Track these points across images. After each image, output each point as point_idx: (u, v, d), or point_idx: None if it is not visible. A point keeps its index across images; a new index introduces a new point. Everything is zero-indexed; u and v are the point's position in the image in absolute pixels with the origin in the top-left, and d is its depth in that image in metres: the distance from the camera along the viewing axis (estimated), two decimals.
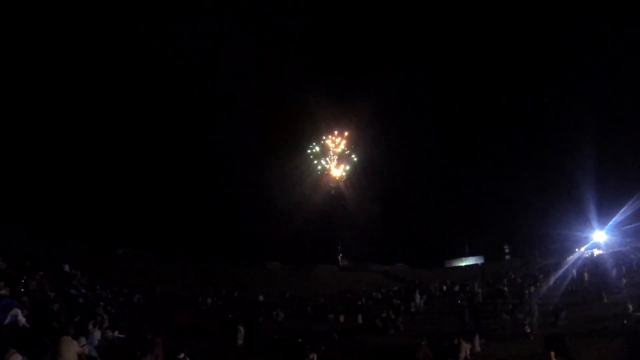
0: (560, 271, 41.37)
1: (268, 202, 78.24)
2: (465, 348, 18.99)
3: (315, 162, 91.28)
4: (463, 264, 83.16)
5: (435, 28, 78.16)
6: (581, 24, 67.03)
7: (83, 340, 13.55)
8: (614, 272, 34.64)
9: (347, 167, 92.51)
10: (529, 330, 20.93)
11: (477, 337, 20.31)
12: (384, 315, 28.71)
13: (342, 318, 31.33)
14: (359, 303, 37.68)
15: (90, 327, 16.58)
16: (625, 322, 17.12)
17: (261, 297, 40.65)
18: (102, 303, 24.25)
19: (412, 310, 32.78)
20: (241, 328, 22.37)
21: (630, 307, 18.35)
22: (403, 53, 79.79)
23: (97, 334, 16.61)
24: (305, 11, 72.27)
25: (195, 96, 75.63)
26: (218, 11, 69.09)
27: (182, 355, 14.63)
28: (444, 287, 45.49)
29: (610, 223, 56.02)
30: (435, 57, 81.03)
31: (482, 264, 79.67)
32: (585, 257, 52.49)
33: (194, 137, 76.49)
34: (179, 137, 75.02)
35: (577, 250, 62.15)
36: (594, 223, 57.08)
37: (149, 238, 60.46)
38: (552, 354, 13.71)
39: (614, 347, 15.60)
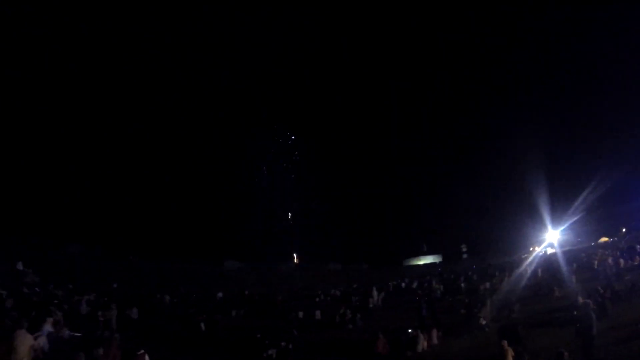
0: (518, 269, 42.41)
1: (226, 200, 77.61)
2: (423, 340, 19.21)
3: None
4: (421, 262, 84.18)
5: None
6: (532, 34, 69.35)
7: (37, 333, 13.18)
8: (565, 270, 35.66)
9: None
10: (484, 323, 21.35)
11: (434, 330, 20.58)
12: (341, 311, 28.76)
13: (300, 314, 31.21)
14: (317, 300, 37.63)
15: (45, 325, 16.05)
16: (575, 312, 17.60)
17: (220, 295, 40.08)
18: (56, 301, 23.57)
19: (370, 306, 32.91)
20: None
21: (581, 299, 18.88)
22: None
23: (52, 332, 16.10)
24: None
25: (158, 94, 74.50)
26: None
27: (141, 351, 14.33)
28: (403, 285, 45.85)
29: (563, 224, 58.16)
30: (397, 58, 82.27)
31: (440, 262, 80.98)
32: (540, 256, 53.98)
33: (149, 131, 75.09)
34: (135, 131, 73.53)
35: (531, 249, 64.14)
36: (548, 224, 59.02)
37: (100, 234, 58.97)
38: (505, 342, 13.94)
39: (564, 335, 16.09)
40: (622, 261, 32.92)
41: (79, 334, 18.71)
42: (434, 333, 20.30)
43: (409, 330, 20.10)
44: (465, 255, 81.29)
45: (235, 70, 77.54)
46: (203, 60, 74.70)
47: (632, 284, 24.97)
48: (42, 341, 13.70)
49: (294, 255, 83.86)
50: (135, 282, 43.43)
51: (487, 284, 36.00)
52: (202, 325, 22.49)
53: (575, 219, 58.53)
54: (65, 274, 37.44)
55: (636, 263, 32.82)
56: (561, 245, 58.32)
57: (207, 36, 74.39)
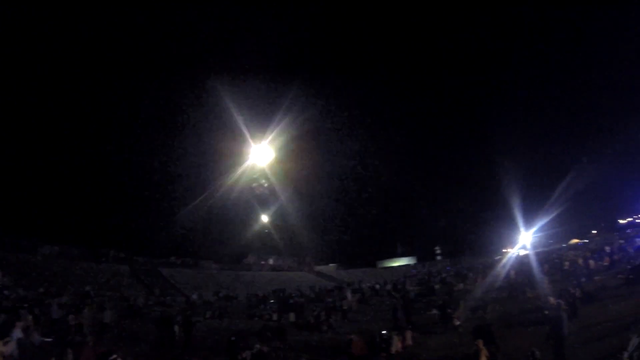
0: (491, 270, 42.99)
1: (201, 201, 76.63)
2: (397, 341, 19.25)
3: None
4: (396, 264, 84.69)
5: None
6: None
7: (6, 339, 12.82)
8: (537, 271, 36.20)
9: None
10: (457, 323, 21.52)
11: (408, 331, 20.66)
12: (315, 313, 28.73)
13: (275, 316, 31.09)
14: (291, 302, 37.53)
15: (15, 330, 15.59)
16: (546, 312, 17.86)
17: (194, 296, 39.73)
18: (26, 305, 23.02)
19: (345, 308, 32.93)
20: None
21: (552, 299, 19.19)
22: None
23: (22, 338, 15.63)
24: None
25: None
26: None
27: (114, 356, 14.05)
28: (377, 286, 46.05)
29: (535, 226, 59.17)
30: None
31: (414, 264, 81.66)
32: (513, 257, 54.89)
33: (122, 132, 73.60)
34: (100, 130, 71.95)
35: (504, 250, 65.21)
36: (520, 226, 59.99)
37: (76, 235, 57.70)
38: (480, 342, 14.03)
39: (536, 335, 16.31)
40: (592, 262, 33.52)
41: (50, 339, 18.26)
42: (408, 334, 20.35)
43: (383, 332, 20.11)
44: (439, 257, 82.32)
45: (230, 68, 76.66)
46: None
47: (602, 284, 25.52)
48: (12, 347, 13.31)
49: (269, 256, 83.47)
50: (108, 284, 42.83)
51: (461, 285, 36.52)
52: (176, 327, 22.13)
53: (546, 221, 59.69)
54: (37, 276, 36.74)
55: (606, 264, 33.47)
56: (533, 247, 59.40)
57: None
